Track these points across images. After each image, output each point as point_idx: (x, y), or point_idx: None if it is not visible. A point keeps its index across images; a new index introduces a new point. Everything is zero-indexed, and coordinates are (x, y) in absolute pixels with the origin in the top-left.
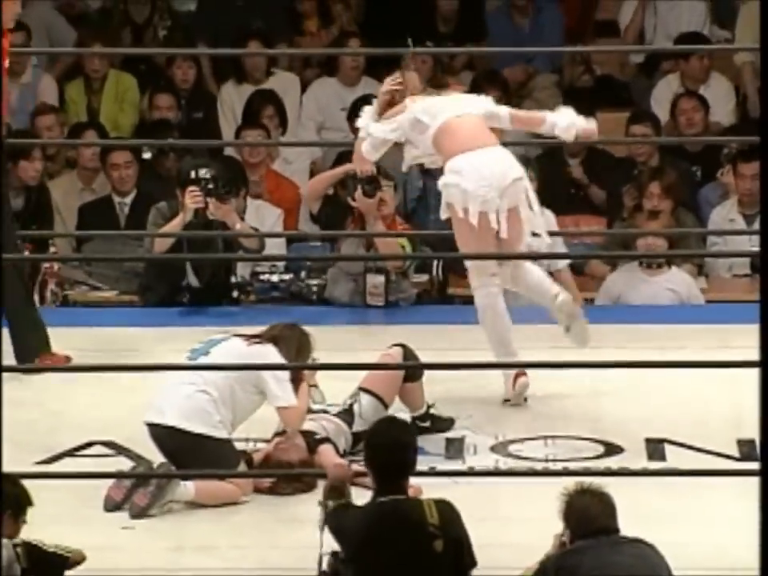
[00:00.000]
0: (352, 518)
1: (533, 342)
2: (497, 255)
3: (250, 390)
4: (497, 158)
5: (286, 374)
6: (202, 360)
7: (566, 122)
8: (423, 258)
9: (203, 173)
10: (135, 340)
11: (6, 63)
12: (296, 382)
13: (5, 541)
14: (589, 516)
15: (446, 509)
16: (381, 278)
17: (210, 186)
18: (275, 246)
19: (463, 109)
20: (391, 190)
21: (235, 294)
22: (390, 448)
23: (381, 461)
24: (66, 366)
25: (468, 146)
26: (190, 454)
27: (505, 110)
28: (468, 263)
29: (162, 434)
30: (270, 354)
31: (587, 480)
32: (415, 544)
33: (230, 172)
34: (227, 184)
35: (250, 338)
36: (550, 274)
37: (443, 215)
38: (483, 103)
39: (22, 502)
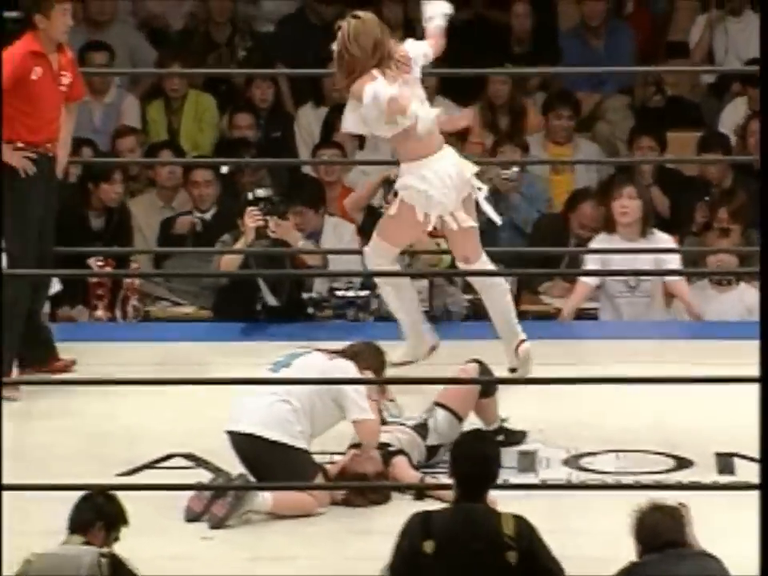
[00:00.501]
0: (434, 517)
1: (600, 357)
2: (548, 272)
3: (329, 404)
4: (453, 161)
5: (364, 390)
6: (284, 372)
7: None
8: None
9: (260, 193)
10: (212, 355)
11: (66, 80)
12: (372, 398)
13: (93, 548)
14: (657, 531)
15: (522, 523)
16: (424, 284)
17: (269, 204)
18: (352, 262)
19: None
20: None
21: (311, 310)
22: (473, 460)
23: (464, 471)
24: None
25: (430, 149)
26: (268, 462)
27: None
28: (379, 244)
29: (243, 442)
30: (349, 369)
31: (660, 496)
32: (489, 552)
33: (309, 190)
34: (284, 201)
35: (330, 352)
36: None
37: (392, 210)
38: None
39: (117, 518)
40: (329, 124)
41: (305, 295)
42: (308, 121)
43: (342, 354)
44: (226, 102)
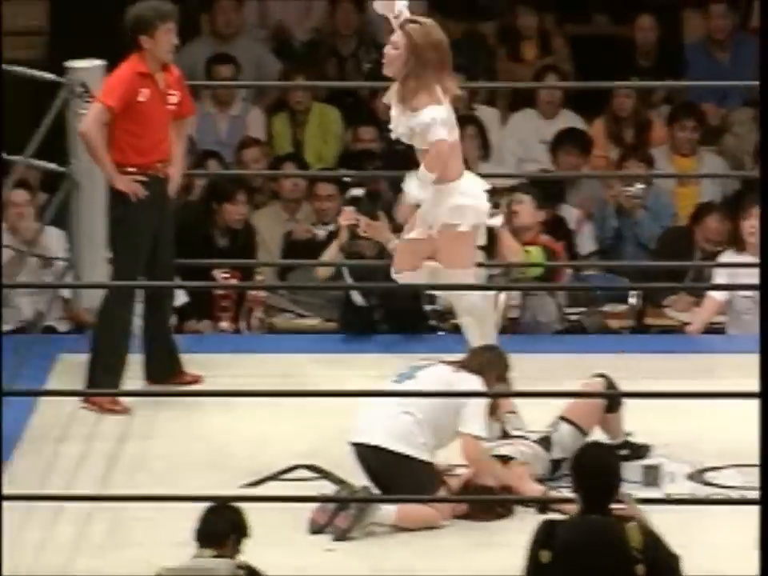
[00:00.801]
0: (558, 527)
1: (729, 371)
2: (673, 286)
3: (453, 417)
4: (475, 179)
5: (484, 407)
6: (408, 384)
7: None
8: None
9: (355, 192)
10: (334, 367)
11: (173, 98)
12: (493, 408)
13: (228, 560)
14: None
15: (649, 533)
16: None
17: (361, 204)
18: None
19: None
20: (529, 204)
21: (433, 322)
22: (596, 470)
23: (587, 483)
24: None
25: (463, 168)
26: (393, 474)
27: None
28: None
29: (368, 454)
30: (474, 382)
31: None
32: (616, 565)
33: None
34: (376, 201)
35: (455, 364)
36: None
37: (433, 232)
38: None
39: (246, 528)
40: None
41: (427, 307)
42: None
43: (467, 365)
44: (351, 115)
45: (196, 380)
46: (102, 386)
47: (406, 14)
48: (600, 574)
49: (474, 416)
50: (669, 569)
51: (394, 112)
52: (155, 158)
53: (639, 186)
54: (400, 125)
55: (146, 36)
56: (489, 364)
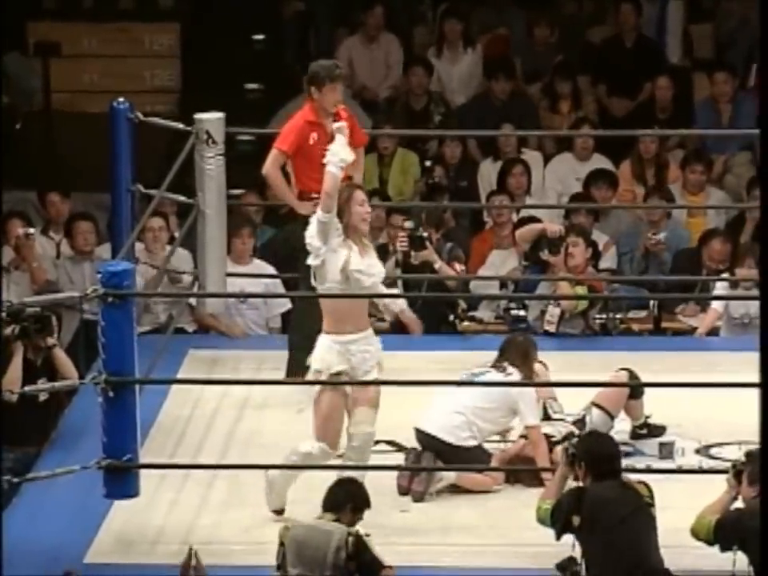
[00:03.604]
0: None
1: (725, 366)
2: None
3: (502, 413)
4: None
5: (534, 399)
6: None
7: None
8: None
9: (407, 224)
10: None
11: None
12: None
13: (342, 526)
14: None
15: (648, 486)
16: (557, 311)
17: (411, 236)
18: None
19: None
20: (581, 246)
21: (457, 322)
22: (600, 445)
23: (595, 458)
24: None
25: None
26: (446, 457)
27: None
28: None
29: (424, 440)
30: (517, 380)
31: None
32: (635, 512)
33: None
34: (424, 236)
35: (500, 367)
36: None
37: None
38: None
39: (363, 501)
40: (504, 173)
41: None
42: (488, 171)
43: (504, 364)
44: (424, 159)
45: None
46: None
47: None
48: (625, 519)
49: (529, 410)
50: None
51: None
52: None
53: (663, 233)
54: None
55: (315, 88)
56: (524, 353)
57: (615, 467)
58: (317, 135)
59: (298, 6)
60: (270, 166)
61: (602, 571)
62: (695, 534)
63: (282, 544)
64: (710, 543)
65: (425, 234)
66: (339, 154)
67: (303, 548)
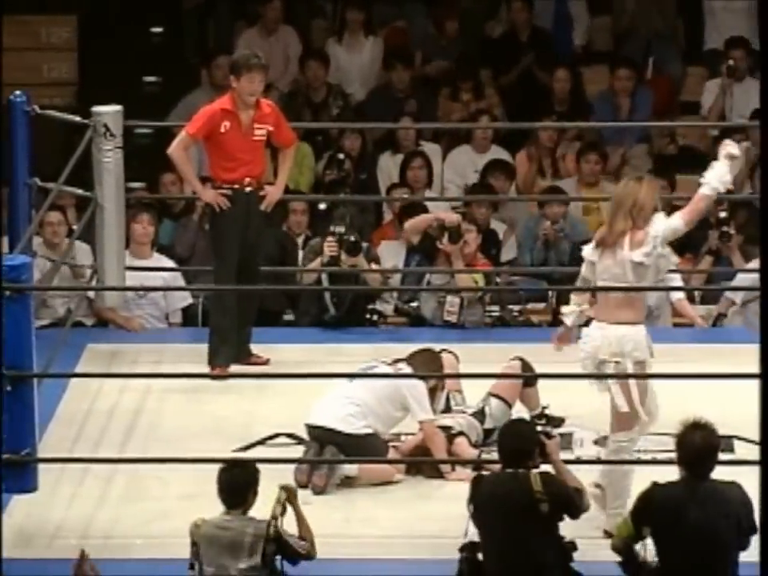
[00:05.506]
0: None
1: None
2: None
3: (394, 407)
4: None
5: (423, 393)
6: (356, 381)
7: None
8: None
9: (338, 229)
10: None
11: (259, 131)
12: (433, 391)
13: (259, 521)
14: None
15: (549, 477)
16: (456, 300)
17: (343, 240)
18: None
19: None
20: (474, 234)
21: (375, 317)
22: (512, 438)
23: (505, 447)
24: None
25: None
26: (342, 447)
27: None
28: None
29: (317, 433)
30: (412, 378)
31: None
32: (523, 506)
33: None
34: (357, 240)
35: (394, 362)
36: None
37: None
38: None
39: (256, 478)
40: (405, 166)
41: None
42: (387, 165)
43: (405, 360)
44: (321, 151)
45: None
46: (219, 356)
47: None
48: (510, 516)
49: (419, 405)
50: (567, 502)
51: None
52: (239, 175)
53: (563, 222)
54: None
55: (234, 77)
56: (426, 362)
57: (520, 460)
58: (229, 124)
59: None
60: (174, 147)
61: (493, 559)
62: (617, 541)
63: (194, 543)
64: (635, 537)
65: (356, 239)
66: (724, 179)
67: (217, 541)
